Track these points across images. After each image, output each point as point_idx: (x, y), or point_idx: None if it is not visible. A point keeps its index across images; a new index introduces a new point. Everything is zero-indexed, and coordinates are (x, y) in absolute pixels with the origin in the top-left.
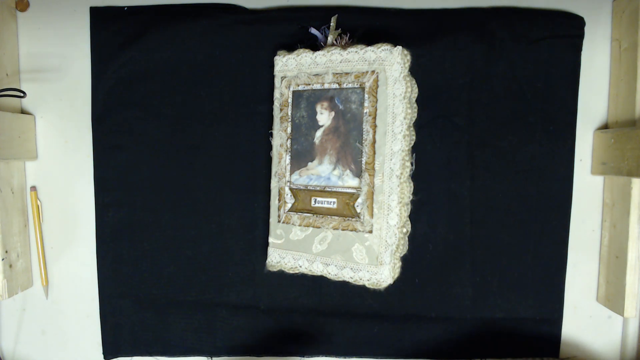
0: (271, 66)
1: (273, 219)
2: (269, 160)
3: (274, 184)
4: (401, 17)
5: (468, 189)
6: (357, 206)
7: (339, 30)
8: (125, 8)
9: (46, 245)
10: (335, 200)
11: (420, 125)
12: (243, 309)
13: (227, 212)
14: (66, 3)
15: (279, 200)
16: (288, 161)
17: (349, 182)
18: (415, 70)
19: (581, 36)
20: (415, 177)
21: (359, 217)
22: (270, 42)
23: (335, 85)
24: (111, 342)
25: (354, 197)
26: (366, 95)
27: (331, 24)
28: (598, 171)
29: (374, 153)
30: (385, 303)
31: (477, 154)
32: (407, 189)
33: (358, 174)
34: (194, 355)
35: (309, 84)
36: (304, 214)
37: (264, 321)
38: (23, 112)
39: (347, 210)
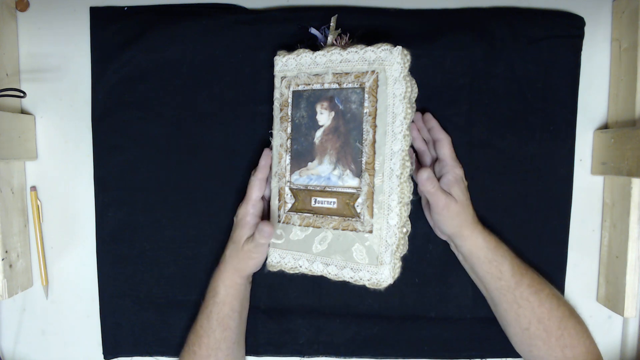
0: (271, 66)
1: (273, 219)
2: None
3: (274, 184)
4: (401, 17)
5: (468, 189)
6: (357, 206)
7: (339, 30)
8: (125, 8)
9: (46, 245)
10: (335, 200)
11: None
12: None
13: (227, 212)
14: (66, 3)
15: (279, 200)
16: (288, 161)
17: (349, 182)
18: (415, 70)
19: (581, 36)
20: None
21: (359, 217)
22: (270, 42)
23: (335, 85)
24: (111, 342)
25: (354, 197)
26: (366, 95)
27: (331, 24)
28: (598, 171)
29: (374, 153)
30: (385, 303)
31: (477, 154)
32: (407, 189)
33: (358, 174)
34: None
35: (309, 84)
36: (304, 214)
37: (264, 321)
38: (23, 112)
39: (347, 210)
